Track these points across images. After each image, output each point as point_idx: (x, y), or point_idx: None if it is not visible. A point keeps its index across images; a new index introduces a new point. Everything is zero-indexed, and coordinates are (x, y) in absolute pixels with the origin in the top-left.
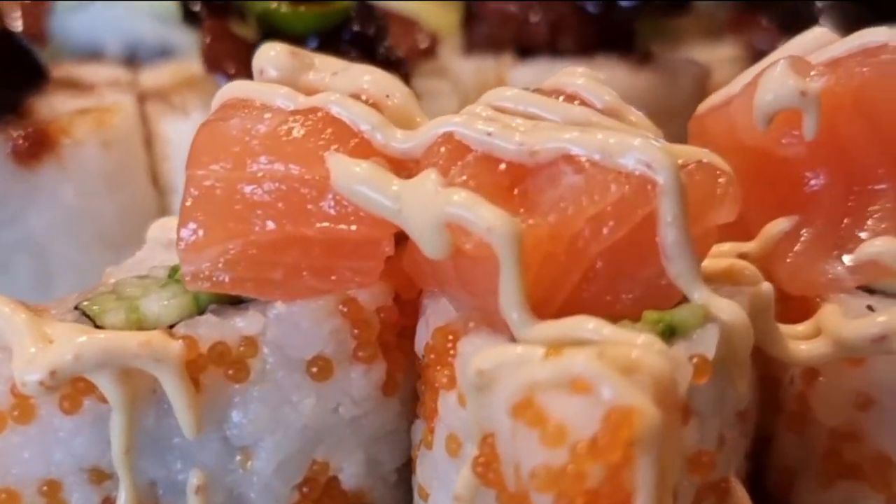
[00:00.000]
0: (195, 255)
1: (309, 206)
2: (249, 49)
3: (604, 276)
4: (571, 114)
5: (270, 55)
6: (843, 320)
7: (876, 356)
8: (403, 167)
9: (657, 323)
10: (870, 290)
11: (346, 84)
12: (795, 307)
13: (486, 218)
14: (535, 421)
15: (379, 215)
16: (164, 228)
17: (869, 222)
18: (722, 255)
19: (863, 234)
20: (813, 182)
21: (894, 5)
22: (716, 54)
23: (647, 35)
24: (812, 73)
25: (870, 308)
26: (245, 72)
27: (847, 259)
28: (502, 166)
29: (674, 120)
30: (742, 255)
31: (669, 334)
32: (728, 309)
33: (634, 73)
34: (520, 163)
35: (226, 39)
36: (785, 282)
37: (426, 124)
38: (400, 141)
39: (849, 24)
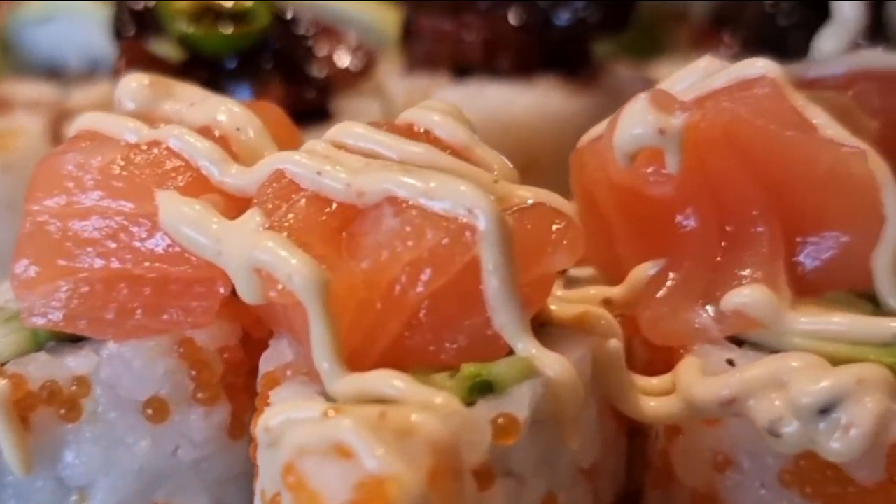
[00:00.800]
0: (28, 292)
1: (138, 245)
2: (170, 71)
3: (427, 325)
4: (412, 153)
5: (130, 86)
6: (696, 378)
7: None
8: (245, 205)
9: (473, 378)
10: (739, 342)
11: (200, 116)
12: (664, 357)
13: (289, 264)
14: (296, 487)
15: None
16: None
17: (741, 268)
18: (586, 300)
19: (733, 281)
20: (683, 223)
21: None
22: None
23: (609, 52)
24: (676, 109)
25: (730, 363)
26: None
27: (713, 308)
28: (333, 207)
29: None
30: (607, 301)
31: (485, 390)
32: (554, 364)
33: (575, 93)
34: (350, 204)
35: (144, 61)
36: (646, 330)
37: (262, 161)
38: (235, 177)
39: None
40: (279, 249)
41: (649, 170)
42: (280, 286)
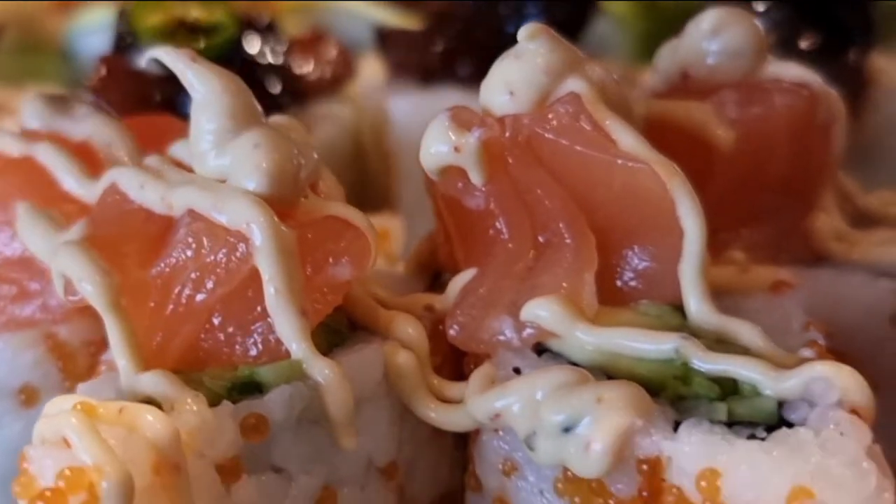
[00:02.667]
0: None
1: (2, 248)
2: (147, 84)
3: (220, 329)
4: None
5: (31, 105)
6: (477, 388)
7: None
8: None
9: (239, 378)
10: (542, 349)
11: (81, 132)
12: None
13: (80, 272)
14: (24, 471)
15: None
16: None
17: (546, 279)
18: (409, 305)
19: (537, 292)
20: (497, 233)
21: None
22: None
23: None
24: (474, 126)
25: (516, 371)
26: (135, 107)
27: (514, 318)
28: (153, 217)
29: None
30: (429, 307)
31: (252, 390)
32: (324, 370)
33: None
34: (169, 215)
35: (122, 75)
36: (451, 337)
37: (104, 174)
38: (87, 189)
39: (786, 30)
40: (73, 257)
41: (459, 184)
42: (77, 291)
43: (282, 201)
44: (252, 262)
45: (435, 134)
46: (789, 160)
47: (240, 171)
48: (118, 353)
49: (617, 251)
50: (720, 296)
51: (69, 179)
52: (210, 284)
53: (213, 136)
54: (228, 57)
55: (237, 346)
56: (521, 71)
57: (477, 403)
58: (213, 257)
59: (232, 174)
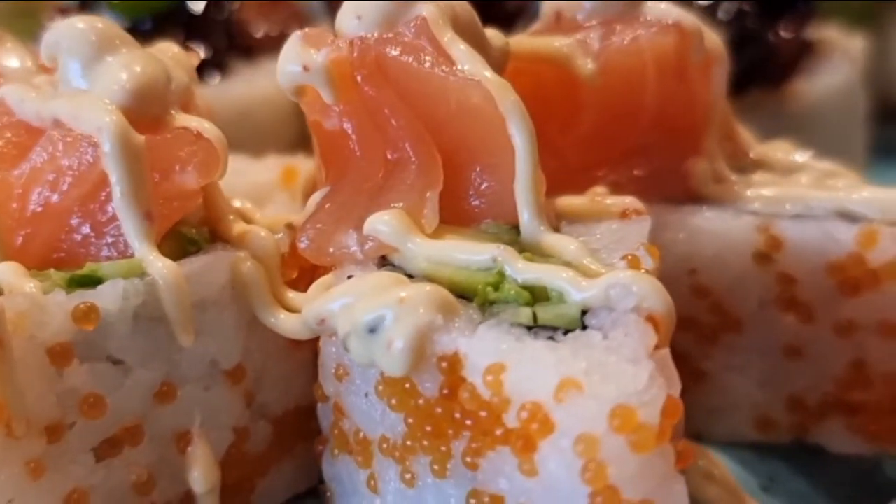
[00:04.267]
0: None
1: None
2: None
3: (78, 228)
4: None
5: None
6: (312, 297)
7: None
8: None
9: (83, 273)
10: (389, 263)
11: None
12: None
13: None
14: None
15: None
16: None
17: (390, 196)
18: (274, 223)
19: (381, 208)
20: (349, 153)
21: None
22: None
23: None
24: (325, 45)
25: (349, 277)
26: None
27: (358, 232)
28: (30, 128)
29: None
30: (290, 225)
31: (94, 283)
32: (162, 270)
33: None
34: (41, 126)
35: None
36: (301, 250)
37: None
38: None
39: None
40: None
41: (318, 105)
42: None
43: (145, 115)
44: (101, 166)
45: (287, 54)
46: (661, 98)
47: (105, 89)
48: None
49: (463, 171)
50: (573, 223)
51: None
52: (65, 186)
53: (81, 69)
54: (175, 11)
55: (92, 247)
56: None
57: (307, 308)
58: (66, 161)
59: (100, 93)
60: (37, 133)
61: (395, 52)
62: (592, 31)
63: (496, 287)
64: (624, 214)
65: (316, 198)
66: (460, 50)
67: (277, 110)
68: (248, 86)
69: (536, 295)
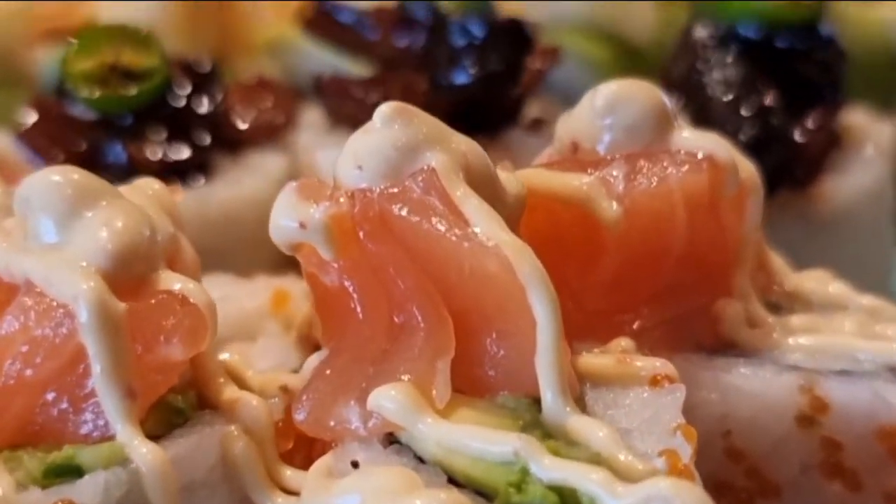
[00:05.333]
0: None
1: None
2: (81, 130)
3: (54, 403)
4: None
5: None
6: (313, 482)
7: None
8: None
9: (60, 460)
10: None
11: None
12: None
13: None
14: None
15: None
16: None
17: (397, 364)
18: (266, 385)
19: (387, 378)
20: (350, 312)
21: (794, 78)
22: None
23: None
24: (321, 200)
25: (354, 465)
26: (66, 155)
27: (361, 406)
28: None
29: None
30: (283, 387)
31: (72, 472)
32: (147, 455)
33: None
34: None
35: (56, 120)
36: (296, 422)
37: None
38: None
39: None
40: None
41: (314, 258)
42: None
43: (128, 277)
44: (78, 338)
45: (281, 208)
46: (690, 237)
47: (83, 249)
48: None
49: (476, 337)
50: (598, 387)
51: None
52: (38, 359)
53: (54, 225)
54: (158, 104)
55: (70, 423)
56: (370, 144)
57: (307, 500)
58: (39, 331)
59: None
60: (8, 289)
61: (401, 211)
62: (615, 168)
63: (519, 487)
64: (654, 381)
65: (313, 361)
66: (474, 206)
67: (266, 213)
68: (235, 188)
69: (565, 497)
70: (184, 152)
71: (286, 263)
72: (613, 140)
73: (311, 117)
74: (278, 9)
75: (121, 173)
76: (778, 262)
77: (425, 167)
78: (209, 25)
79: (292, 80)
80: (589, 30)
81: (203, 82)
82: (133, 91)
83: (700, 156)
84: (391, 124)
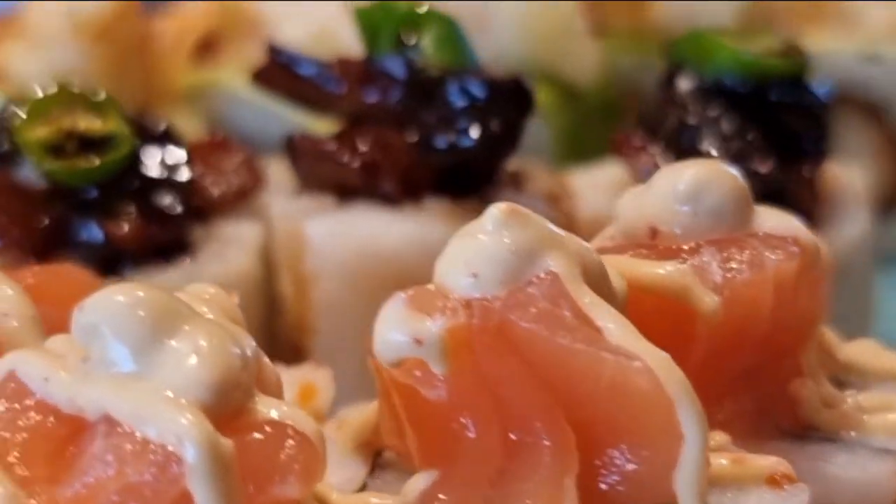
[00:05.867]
0: None
1: None
2: (31, 201)
3: None
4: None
5: None
6: None
7: None
8: None
9: None
10: None
11: None
12: None
13: None
14: None
15: None
16: None
17: (522, 485)
18: None
19: (512, 501)
20: (461, 429)
21: (782, 131)
22: (591, 179)
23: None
24: (435, 313)
25: None
26: (24, 232)
27: None
28: (61, 415)
29: None
30: None
31: None
32: None
33: (462, 219)
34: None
35: (4, 190)
36: None
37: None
38: None
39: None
40: None
41: (417, 372)
42: None
43: (228, 409)
44: (182, 484)
45: (391, 322)
46: (773, 321)
47: (173, 383)
48: None
49: (601, 450)
50: (714, 490)
51: None
52: None
53: (131, 355)
54: (124, 175)
55: None
56: (485, 250)
57: None
58: (137, 477)
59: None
60: (71, 422)
61: (526, 322)
62: (706, 255)
63: None
64: (773, 482)
65: (418, 485)
66: (606, 313)
67: (251, 288)
68: (222, 264)
69: None
70: (161, 226)
71: (271, 343)
72: (696, 225)
73: (275, 177)
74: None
75: (95, 252)
76: (830, 334)
77: (544, 273)
78: (131, 73)
79: (217, 130)
80: (530, 72)
81: (161, 144)
82: (97, 161)
83: (788, 240)
84: (505, 228)
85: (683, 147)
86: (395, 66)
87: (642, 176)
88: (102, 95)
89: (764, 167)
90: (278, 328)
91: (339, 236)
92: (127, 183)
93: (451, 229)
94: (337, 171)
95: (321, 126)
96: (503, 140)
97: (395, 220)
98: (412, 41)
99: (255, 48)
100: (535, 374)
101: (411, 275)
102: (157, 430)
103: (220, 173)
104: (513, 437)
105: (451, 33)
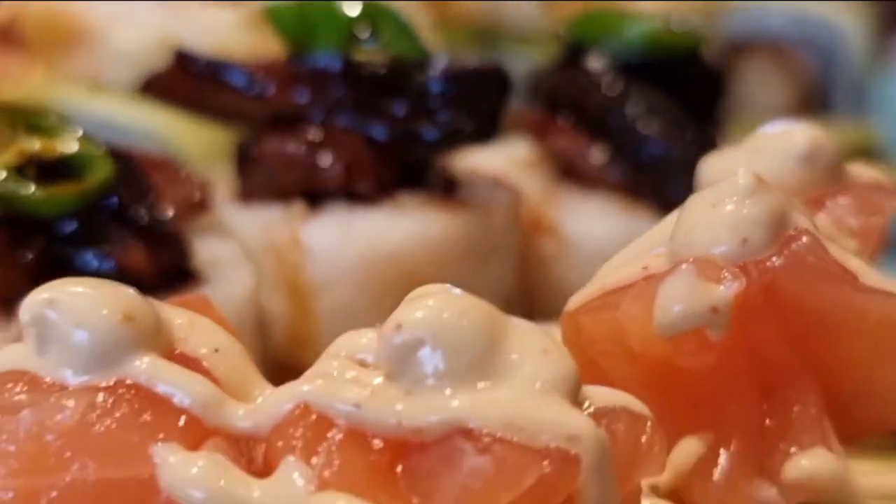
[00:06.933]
0: None
1: None
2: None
3: None
4: (446, 365)
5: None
6: None
7: None
8: (244, 446)
9: None
10: None
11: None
12: None
13: None
14: None
15: None
16: None
17: (791, 433)
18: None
19: (787, 448)
20: (723, 393)
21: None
22: (505, 156)
23: None
24: (724, 279)
25: None
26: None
27: (772, 480)
28: (377, 442)
29: (490, 258)
30: (654, 487)
31: None
32: None
33: (445, 211)
34: (400, 438)
35: None
36: None
37: (271, 394)
38: (241, 418)
39: (665, 132)
40: None
41: (686, 341)
42: None
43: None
44: (576, 484)
45: (683, 293)
46: None
47: (541, 390)
48: None
49: (840, 390)
50: None
51: (202, 407)
52: None
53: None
54: (101, 200)
55: None
56: (750, 215)
57: None
58: (534, 484)
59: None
60: (393, 446)
61: (799, 276)
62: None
63: None
64: None
65: (687, 452)
66: (851, 260)
67: (257, 309)
68: (234, 287)
69: None
70: (169, 250)
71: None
72: (814, 181)
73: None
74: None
75: None
76: None
77: (795, 230)
78: None
79: None
80: None
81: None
82: (76, 186)
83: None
84: (757, 193)
85: (602, 122)
86: (333, 63)
87: (558, 152)
88: (56, 115)
89: (685, 136)
90: (267, 347)
91: (344, 241)
92: (107, 210)
93: (455, 225)
94: (309, 176)
95: (184, 136)
96: (483, 128)
97: (389, 219)
98: (365, 35)
99: (83, 58)
100: (790, 329)
101: (418, 272)
102: (541, 434)
103: (172, 191)
104: (770, 392)
105: (403, 26)
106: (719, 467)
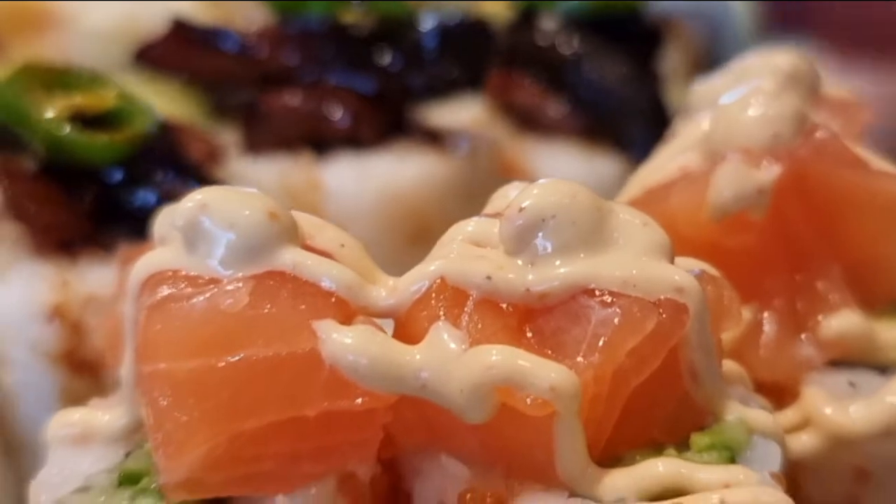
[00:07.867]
0: (176, 462)
1: (301, 385)
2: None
3: (638, 408)
4: (563, 239)
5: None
6: (839, 411)
7: None
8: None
9: (715, 448)
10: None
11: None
12: (768, 394)
13: (547, 377)
14: None
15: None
16: (66, 424)
17: (821, 300)
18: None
19: (818, 313)
20: (761, 269)
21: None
22: (464, 113)
23: None
24: (765, 165)
25: (851, 384)
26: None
27: (810, 338)
28: (505, 306)
29: (478, 197)
30: None
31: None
32: (764, 420)
33: (440, 156)
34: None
35: (16, 177)
36: (765, 373)
37: (405, 276)
38: (382, 298)
39: (618, 83)
40: (526, 364)
41: (733, 223)
42: (534, 398)
43: None
44: (684, 330)
45: (734, 179)
46: None
47: (648, 252)
48: (574, 460)
49: (863, 263)
50: None
51: (348, 290)
52: (644, 363)
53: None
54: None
55: (656, 424)
56: (781, 110)
57: (860, 422)
58: (652, 331)
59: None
60: (520, 310)
61: (827, 161)
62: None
63: None
64: None
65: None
66: (862, 150)
67: None
68: None
69: None
70: None
71: None
72: None
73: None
74: None
75: None
76: None
77: (813, 125)
78: None
79: None
80: None
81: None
82: (123, 135)
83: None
84: (782, 94)
85: (559, 77)
86: (320, 25)
87: (518, 107)
88: (95, 71)
89: (635, 86)
90: None
91: (361, 182)
92: (150, 157)
93: (450, 168)
94: (316, 127)
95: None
96: (472, 77)
97: (400, 162)
98: None
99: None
100: (815, 212)
101: (422, 209)
102: (654, 288)
103: (190, 143)
104: (800, 267)
105: None
106: (765, 333)
